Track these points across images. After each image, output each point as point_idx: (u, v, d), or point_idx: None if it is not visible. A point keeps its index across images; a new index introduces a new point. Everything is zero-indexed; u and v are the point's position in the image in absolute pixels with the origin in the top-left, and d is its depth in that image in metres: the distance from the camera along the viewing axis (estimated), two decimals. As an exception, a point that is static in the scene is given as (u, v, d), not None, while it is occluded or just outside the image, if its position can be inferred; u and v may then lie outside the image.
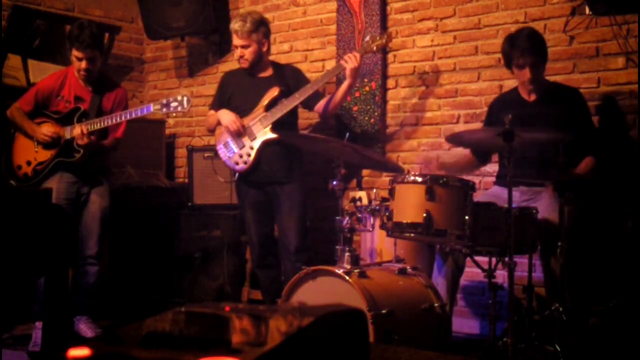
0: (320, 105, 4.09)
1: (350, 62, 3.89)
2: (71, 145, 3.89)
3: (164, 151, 5.49)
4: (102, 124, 3.86)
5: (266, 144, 3.95)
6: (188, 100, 3.89)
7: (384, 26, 4.56)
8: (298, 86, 4.01)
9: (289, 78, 4.10)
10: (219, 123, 4.10)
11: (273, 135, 3.93)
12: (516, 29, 3.64)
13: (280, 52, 4.97)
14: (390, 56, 4.56)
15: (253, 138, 3.97)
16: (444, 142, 4.28)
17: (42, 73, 4.77)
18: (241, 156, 3.99)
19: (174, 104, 3.89)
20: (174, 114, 4.35)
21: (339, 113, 4.56)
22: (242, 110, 4.04)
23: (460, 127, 4.27)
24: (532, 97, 3.58)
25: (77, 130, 3.82)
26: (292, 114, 4.09)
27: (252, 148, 3.97)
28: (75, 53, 3.86)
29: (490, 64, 4.19)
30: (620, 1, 3.65)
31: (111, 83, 4.15)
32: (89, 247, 3.91)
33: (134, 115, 3.87)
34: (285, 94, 3.99)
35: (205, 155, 4.74)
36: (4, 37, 4.80)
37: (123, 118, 3.88)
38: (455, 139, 3.53)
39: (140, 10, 5.41)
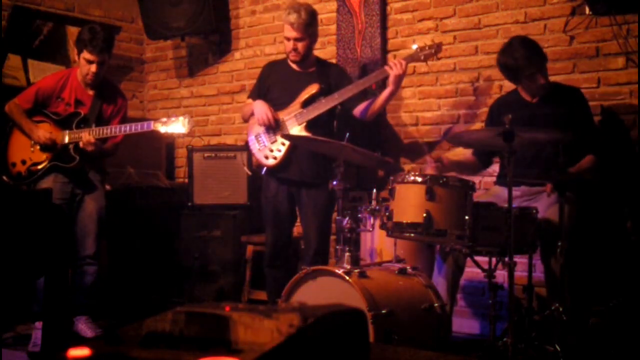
0: (359, 108, 3.96)
1: (395, 68, 3.75)
2: (68, 151, 3.88)
3: (164, 151, 5.50)
4: (103, 132, 3.85)
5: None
6: (189, 123, 3.85)
7: (384, 26, 4.55)
8: (340, 86, 3.89)
9: (332, 77, 3.99)
10: (253, 114, 4.01)
11: (306, 134, 3.83)
12: (503, 44, 3.58)
13: (280, 52, 4.96)
14: (390, 56, 4.56)
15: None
16: (444, 142, 4.29)
17: (42, 73, 4.77)
18: (272, 150, 3.91)
19: (174, 124, 3.84)
20: (174, 134, 4.21)
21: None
22: (280, 103, 3.95)
23: (460, 127, 4.27)
24: (535, 98, 3.57)
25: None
26: (330, 114, 3.94)
27: (283, 144, 3.88)
28: (87, 56, 3.84)
29: (490, 64, 4.19)
30: (620, 1, 3.65)
31: (114, 89, 4.15)
32: (86, 247, 3.91)
33: (133, 130, 3.85)
34: (325, 92, 3.89)
35: (205, 155, 4.74)
36: (4, 37, 4.80)
37: (122, 131, 3.87)
38: (455, 139, 3.53)
39: (140, 10, 5.41)
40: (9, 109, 3.96)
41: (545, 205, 3.36)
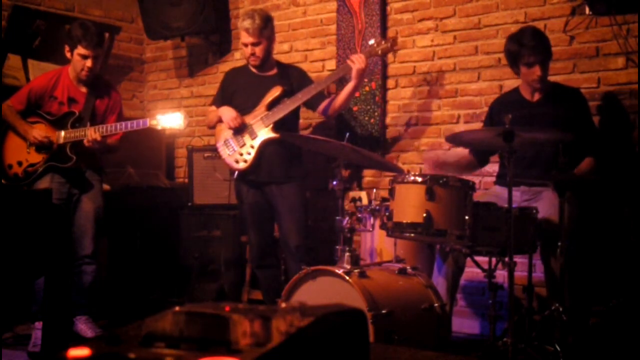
0: (323, 105, 4.08)
1: (357, 63, 3.88)
2: (64, 151, 3.87)
3: (164, 151, 5.50)
4: (101, 131, 3.84)
5: (267, 143, 3.95)
6: (185, 118, 3.88)
7: (384, 26, 4.55)
8: (302, 86, 4.00)
9: (293, 78, 4.09)
10: (219, 120, 4.09)
11: (274, 135, 3.92)
12: (518, 29, 3.64)
13: (280, 52, 4.96)
14: (390, 56, 4.55)
15: (254, 137, 3.96)
16: (444, 142, 4.28)
17: (42, 73, 4.77)
18: (241, 154, 3.98)
19: (170, 120, 3.86)
20: (172, 130, 4.21)
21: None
22: (244, 108, 4.02)
23: (460, 127, 4.27)
24: (536, 97, 3.57)
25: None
26: (294, 114, 4.08)
27: (252, 147, 3.96)
28: (82, 51, 3.83)
29: (490, 64, 4.19)
30: (620, 1, 3.65)
31: (106, 85, 4.13)
32: (84, 247, 3.90)
33: (129, 128, 3.85)
34: (288, 93, 3.98)
35: (205, 155, 4.74)
36: (4, 37, 4.80)
37: (118, 129, 3.86)
38: (455, 139, 3.53)
39: (140, 10, 5.40)
40: (2, 111, 3.95)
41: (545, 205, 3.36)
